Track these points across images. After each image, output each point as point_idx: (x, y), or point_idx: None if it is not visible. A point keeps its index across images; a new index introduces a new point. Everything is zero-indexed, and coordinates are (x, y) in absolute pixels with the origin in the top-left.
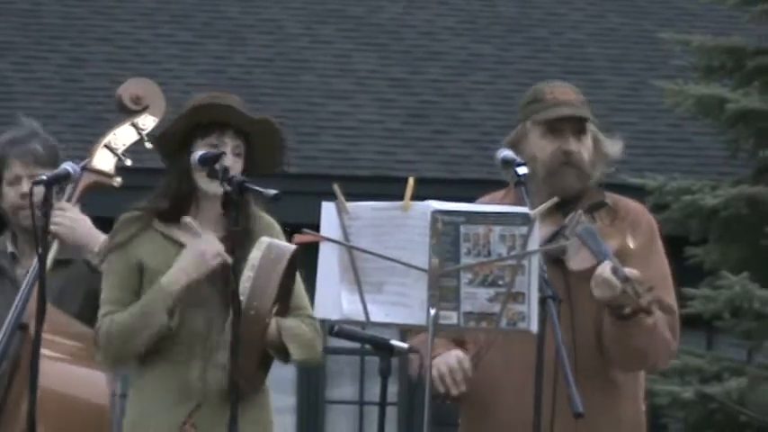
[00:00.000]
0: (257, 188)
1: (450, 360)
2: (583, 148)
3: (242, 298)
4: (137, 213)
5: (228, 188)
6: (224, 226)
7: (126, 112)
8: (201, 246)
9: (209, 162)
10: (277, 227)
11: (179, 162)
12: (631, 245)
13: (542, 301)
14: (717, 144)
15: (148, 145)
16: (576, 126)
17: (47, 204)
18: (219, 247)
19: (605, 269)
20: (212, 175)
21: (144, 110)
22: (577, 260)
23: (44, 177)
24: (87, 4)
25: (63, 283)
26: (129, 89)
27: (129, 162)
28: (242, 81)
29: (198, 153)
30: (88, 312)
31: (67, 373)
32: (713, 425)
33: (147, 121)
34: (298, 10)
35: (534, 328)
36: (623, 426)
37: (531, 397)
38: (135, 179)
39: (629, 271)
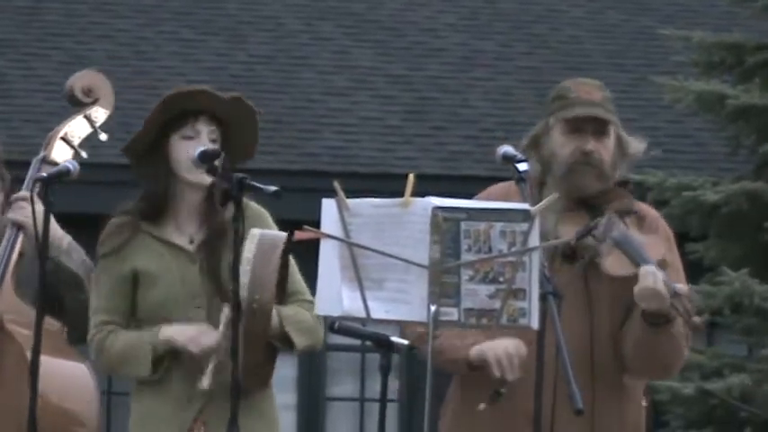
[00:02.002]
0: (257, 184)
1: (507, 347)
2: (603, 149)
3: (242, 293)
4: (124, 219)
5: (228, 185)
6: (204, 217)
7: (77, 105)
8: (205, 339)
9: (207, 159)
10: (266, 214)
11: (155, 161)
12: (667, 257)
13: (543, 298)
14: (717, 140)
15: (102, 137)
16: (598, 126)
17: (47, 202)
18: (214, 343)
19: (657, 279)
20: (211, 171)
21: (95, 102)
22: (616, 266)
23: (44, 175)
24: (88, 2)
25: (19, 277)
26: (79, 81)
27: (85, 155)
28: (242, 78)
29: (197, 150)
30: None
31: (54, 367)
32: (714, 421)
33: (99, 114)
34: (298, 7)
35: (535, 324)
36: (627, 426)
37: (528, 384)
38: (114, 175)
39: (681, 287)
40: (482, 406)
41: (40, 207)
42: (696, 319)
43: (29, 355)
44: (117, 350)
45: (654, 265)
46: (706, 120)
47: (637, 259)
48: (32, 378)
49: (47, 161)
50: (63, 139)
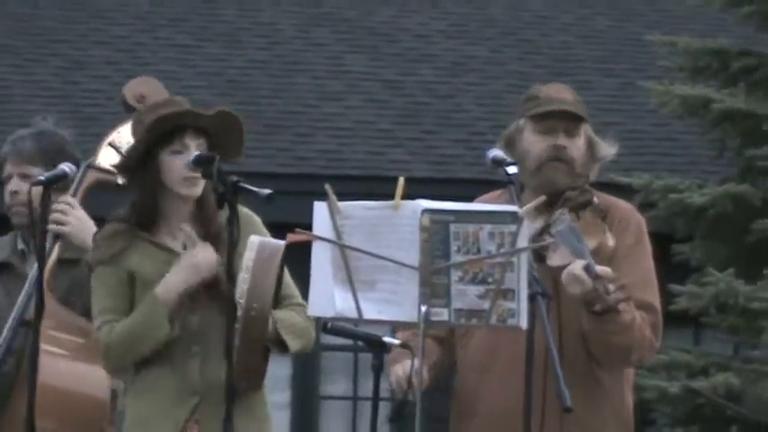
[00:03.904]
0: (251, 188)
1: (397, 369)
2: (574, 147)
3: (240, 300)
4: (121, 226)
5: (222, 189)
6: (196, 224)
7: (130, 111)
8: (197, 256)
9: (203, 163)
10: (257, 219)
11: (145, 175)
12: (610, 242)
13: (531, 298)
14: (703, 143)
15: None
16: (568, 125)
17: (44, 204)
18: (214, 259)
19: (576, 266)
20: (207, 175)
21: None
22: (556, 257)
23: (42, 178)
24: (86, 8)
25: (70, 282)
26: (133, 88)
27: None
28: (238, 83)
29: (192, 155)
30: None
31: (68, 368)
32: (700, 419)
33: None
34: (292, 13)
35: (524, 324)
36: (608, 420)
37: (516, 383)
38: None
39: (601, 269)
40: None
41: (81, 213)
42: (611, 297)
43: (53, 354)
44: (125, 327)
45: (586, 252)
46: (691, 123)
47: (574, 251)
48: (31, 374)
49: (91, 166)
50: (110, 144)
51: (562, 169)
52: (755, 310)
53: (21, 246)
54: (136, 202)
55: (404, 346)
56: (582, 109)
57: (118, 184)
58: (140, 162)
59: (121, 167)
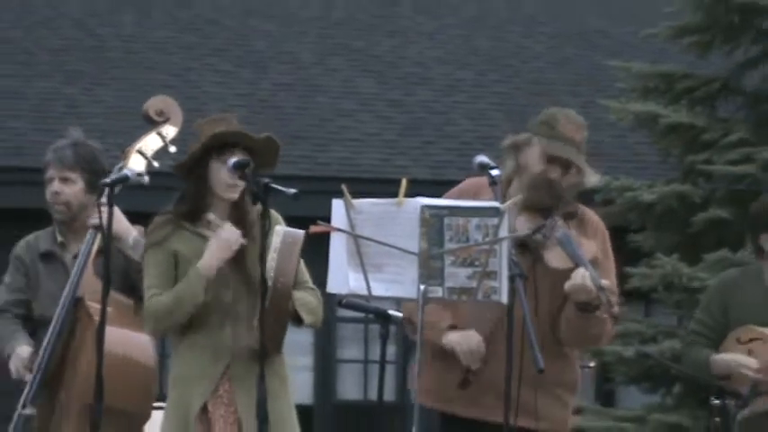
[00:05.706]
0: (280, 188)
1: (471, 343)
2: (564, 179)
3: (270, 274)
4: (169, 216)
5: (256, 189)
6: (232, 219)
7: (151, 123)
8: (224, 235)
9: (241, 168)
10: (279, 217)
11: (196, 177)
12: (600, 255)
13: (511, 279)
14: (652, 151)
15: (172, 149)
16: (568, 162)
17: (110, 201)
18: (238, 234)
19: (585, 277)
20: (243, 178)
21: (166, 121)
22: (556, 259)
23: (108, 180)
24: (144, 40)
25: (98, 268)
26: (153, 104)
27: (156, 164)
28: (268, 102)
29: (231, 160)
30: (125, 289)
31: (120, 334)
32: (650, 378)
33: (170, 131)
34: (312, 44)
35: (504, 299)
36: (568, 385)
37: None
38: (159, 180)
39: (605, 282)
40: (456, 390)
41: (114, 208)
42: (615, 309)
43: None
44: (170, 295)
45: (587, 263)
46: (643, 134)
47: (574, 258)
48: (98, 343)
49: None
50: (139, 151)
51: (548, 194)
52: (696, 288)
53: (60, 238)
54: (187, 197)
55: (408, 321)
56: (584, 148)
57: (143, 185)
58: (195, 165)
59: (179, 167)
